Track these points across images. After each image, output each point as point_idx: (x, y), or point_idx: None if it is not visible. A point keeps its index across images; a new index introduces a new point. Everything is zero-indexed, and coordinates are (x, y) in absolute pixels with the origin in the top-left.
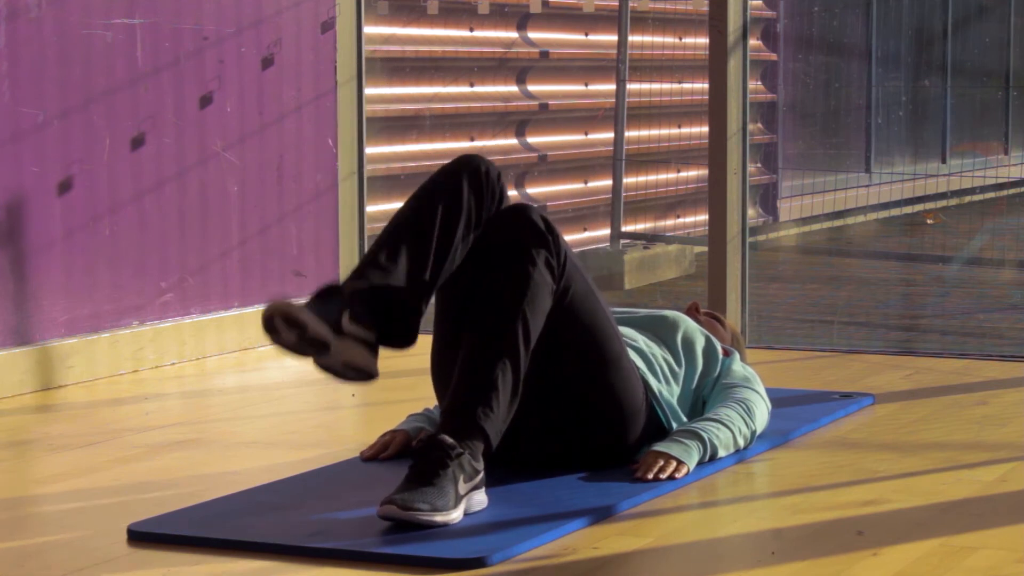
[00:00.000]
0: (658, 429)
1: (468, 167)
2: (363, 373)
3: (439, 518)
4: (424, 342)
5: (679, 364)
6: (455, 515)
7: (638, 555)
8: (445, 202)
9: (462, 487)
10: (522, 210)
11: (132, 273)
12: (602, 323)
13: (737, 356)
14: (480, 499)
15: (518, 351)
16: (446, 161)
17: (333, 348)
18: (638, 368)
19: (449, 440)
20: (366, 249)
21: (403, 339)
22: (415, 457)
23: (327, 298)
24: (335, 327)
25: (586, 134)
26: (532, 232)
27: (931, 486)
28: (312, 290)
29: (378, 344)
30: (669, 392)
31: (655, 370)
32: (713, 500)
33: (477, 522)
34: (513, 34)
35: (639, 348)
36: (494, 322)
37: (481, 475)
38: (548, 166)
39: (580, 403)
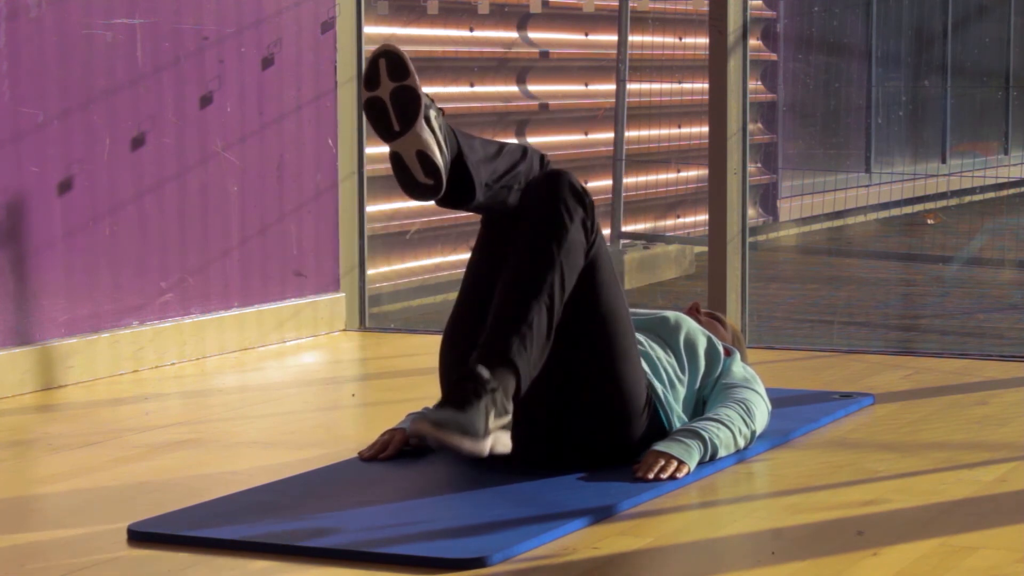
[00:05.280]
0: (660, 432)
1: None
2: (432, 169)
3: (467, 444)
4: (427, 343)
5: (683, 368)
6: (483, 446)
7: (638, 555)
8: (517, 146)
9: (492, 423)
10: (562, 174)
11: (132, 273)
12: (620, 313)
13: (737, 356)
14: (505, 442)
15: (553, 297)
16: None
17: (416, 127)
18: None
19: (484, 374)
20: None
21: (463, 195)
22: (448, 387)
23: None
24: (425, 114)
25: (586, 134)
26: (571, 192)
27: (931, 486)
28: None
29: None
30: (674, 396)
31: (659, 373)
32: (713, 500)
33: (477, 522)
34: (513, 34)
35: (644, 351)
36: (531, 267)
37: (509, 417)
38: None
39: (586, 391)
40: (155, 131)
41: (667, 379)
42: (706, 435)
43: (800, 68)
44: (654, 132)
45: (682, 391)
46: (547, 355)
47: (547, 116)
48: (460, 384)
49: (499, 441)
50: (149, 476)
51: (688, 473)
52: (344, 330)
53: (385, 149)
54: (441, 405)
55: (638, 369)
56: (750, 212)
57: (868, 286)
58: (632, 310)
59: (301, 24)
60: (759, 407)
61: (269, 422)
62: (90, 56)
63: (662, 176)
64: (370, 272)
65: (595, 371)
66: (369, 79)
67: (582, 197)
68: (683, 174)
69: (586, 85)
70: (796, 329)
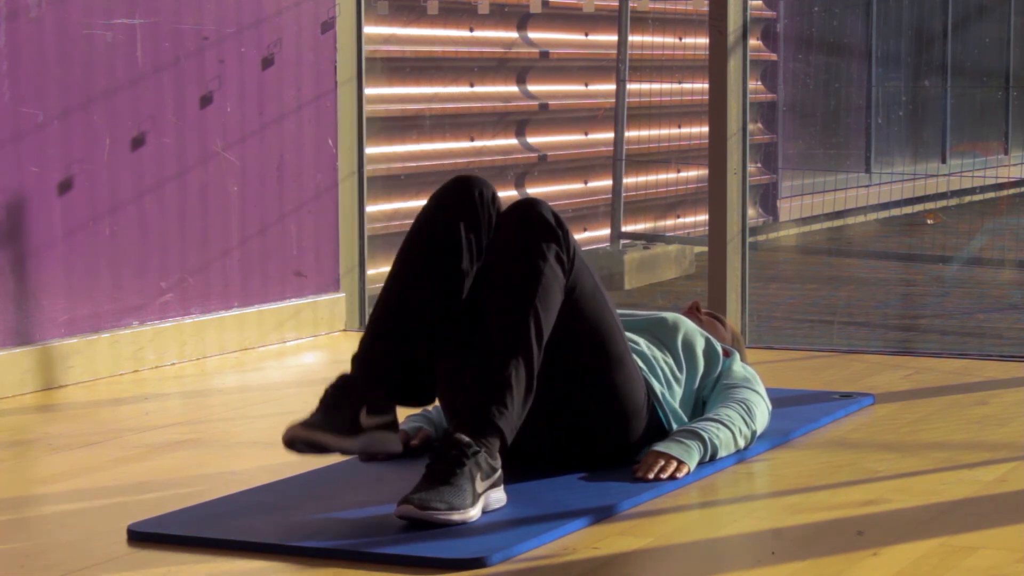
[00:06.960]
0: (660, 431)
1: (460, 195)
2: (389, 455)
3: (456, 516)
4: None
5: (680, 368)
6: (473, 513)
7: (638, 555)
8: (443, 245)
9: (479, 485)
10: (532, 205)
11: (132, 273)
12: (607, 321)
13: (737, 356)
14: (498, 496)
15: (531, 347)
16: (446, 162)
17: (358, 448)
18: (640, 369)
19: (465, 438)
20: (370, 314)
21: (422, 399)
22: (431, 456)
23: (341, 396)
24: (353, 429)
25: (586, 134)
26: (542, 226)
27: (931, 486)
28: (324, 392)
29: (397, 409)
30: (672, 395)
31: (657, 373)
32: (713, 500)
33: (478, 522)
34: (513, 34)
35: (641, 351)
36: (506, 318)
37: (499, 473)
38: (548, 166)
39: (582, 401)
40: (155, 131)
41: (665, 379)
42: (706, 435)
43: (800, 68)
44: (654, 132)
45: (680, 391)
46: (546, 371)
47: (547, 116)
48: (442, 453)
49: (491, 498)
50: (149, 476)
51: (688, 473)
52: (344, 330)
53: (386, 149)
54: (425, 479)
55: (633, 371)
56: (750, 212)
57: (868, 286)
58: (631, 312)
59: (301, 24)
60: (759, 407)
61: (269, 422)
62: (90, 56)
63: (662, 176)
64: (370, 272)
65: (589, 380)
66: None
67: (554, 229)
68: (683, 174)
69: (586, 85)
70: (796, 329)
